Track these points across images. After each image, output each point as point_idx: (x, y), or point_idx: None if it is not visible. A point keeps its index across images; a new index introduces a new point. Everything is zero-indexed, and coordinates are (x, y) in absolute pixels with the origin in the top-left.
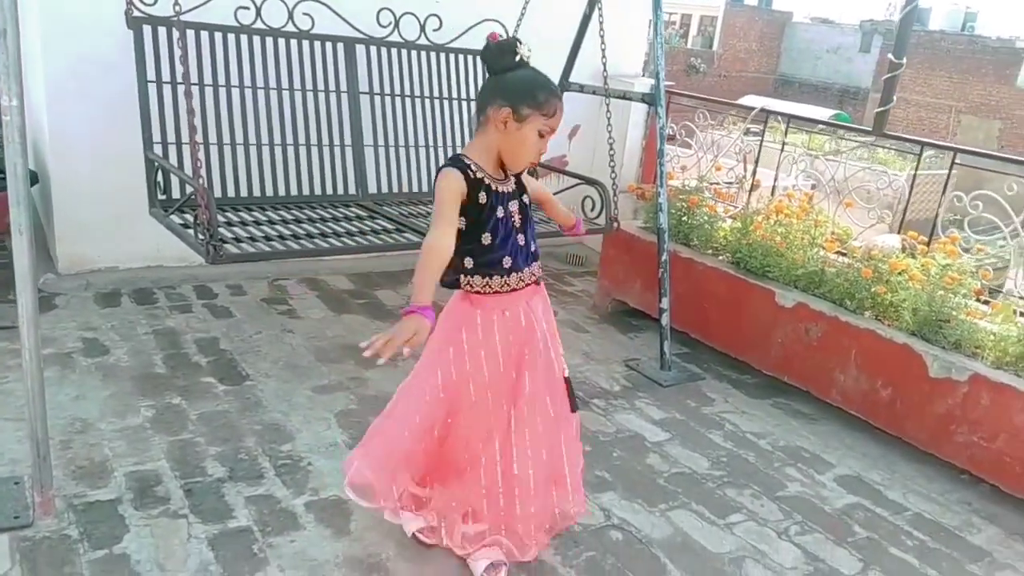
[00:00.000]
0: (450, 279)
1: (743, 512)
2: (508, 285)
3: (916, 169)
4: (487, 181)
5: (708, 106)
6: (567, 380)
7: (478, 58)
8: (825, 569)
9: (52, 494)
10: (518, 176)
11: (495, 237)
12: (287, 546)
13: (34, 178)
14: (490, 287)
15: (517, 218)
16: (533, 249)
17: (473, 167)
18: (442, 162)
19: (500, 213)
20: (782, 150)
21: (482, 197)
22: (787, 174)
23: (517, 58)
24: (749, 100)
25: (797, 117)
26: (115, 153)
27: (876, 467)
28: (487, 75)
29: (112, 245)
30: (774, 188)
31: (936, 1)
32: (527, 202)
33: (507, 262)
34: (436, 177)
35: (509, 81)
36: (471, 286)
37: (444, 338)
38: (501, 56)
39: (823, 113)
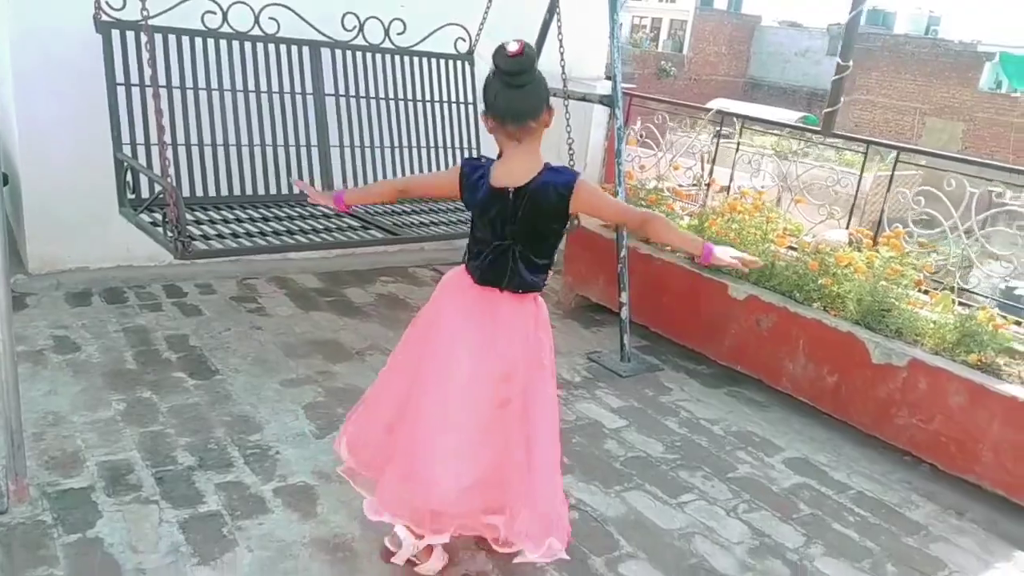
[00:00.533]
0: (542, 281)
1: (694, 492)
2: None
3: (863, 168)
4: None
5: (667, 108)
6: None
7: (441, 61)
8: (770, 543)
9: (26, 483)
10: None
11: None
12: (255, 528)
13: (4, 179)
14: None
15: None
16: None
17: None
18: (405, 160)
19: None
20: (736, 150)
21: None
22: (753, 176)
23: (527, 57)
24: (719, 103)
25: (750, 118)
26: (84, 154)
27: (823, 450)
28: (517, 80)
29: (82, 245)
30: (729, 187)
31: (901, 5)
32: None
33: None
34: (577, 185)
35: (544, 84)
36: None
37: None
38: (534, 63)
39: (791, 115)
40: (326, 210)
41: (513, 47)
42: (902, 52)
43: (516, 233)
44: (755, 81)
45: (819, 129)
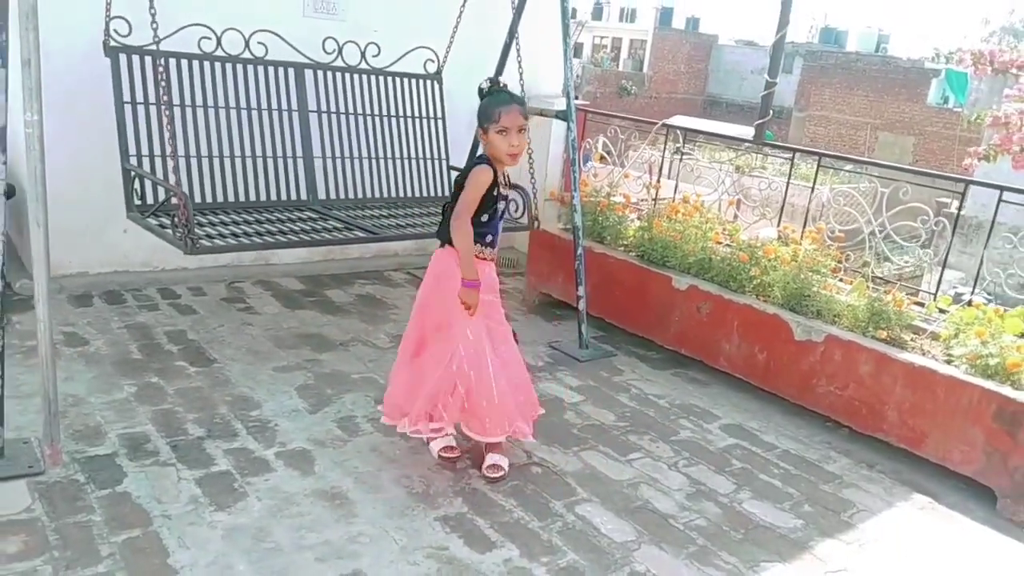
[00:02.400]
0: (447, 237)
1: (641, 451)
2: (483, 255)
3: (790, 175)
4: (499, 180)
5: (620, 123)
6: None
7: (412, 80)
8: (705, 490)
9: (60, 447)
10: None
11: (490, 218)
12: (262, 483)
13: (11, 191)
14: (481, 255)
15: (501, 212)
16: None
17: (493, 165)
18: (381, 170)
19: (500, 205)
20: (680, 160)
21: (494, 190)
22: (715, 189)
23: (482, 91)
24: (677, 120)
25: (693, 131)
26: (84, 167)
27: (755, 418)
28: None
29: (82, 252)
30: (675, 195)
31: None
32: (507, 206)
33: (489, 238)
34: (472, 169)
35: (478, 109)
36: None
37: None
38: (480, 93)
39: (747, 131)
40: (311, 213)
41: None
42: (854, 69)
43: None
44: (713, 99)
45: (751, 140)
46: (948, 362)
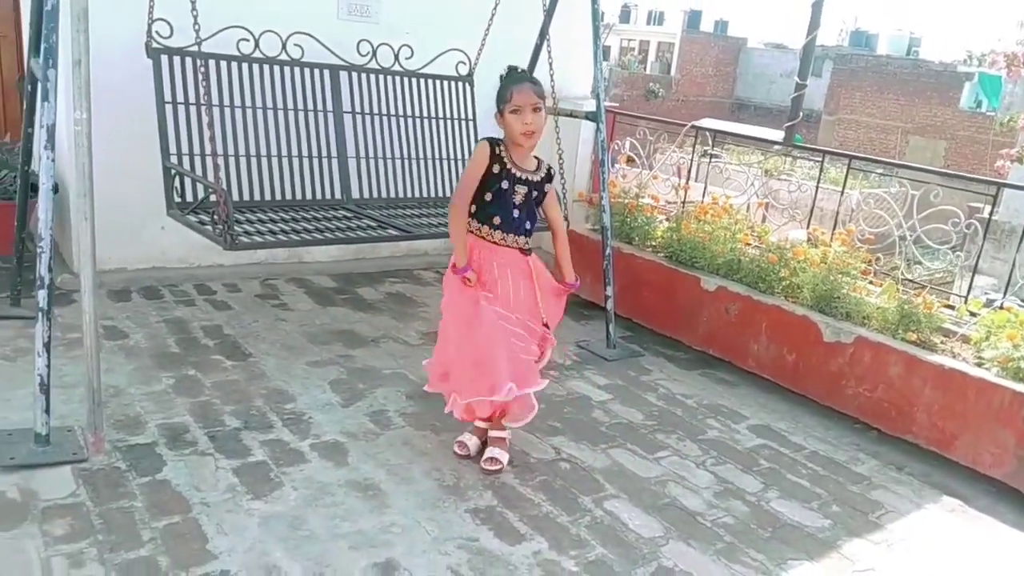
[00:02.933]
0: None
1: (669, 450)
2: (492, 237)
3: (819, 177)
4: (505, 159)
5: (648, 125)
6: (545, 324)
7: (444, 82)
8: (733, 488)
9: (103, 436)
10: (549, 179)
11: (494, 198)
12: (298, 474)
13: (55, 188)
14: (479, 232)
15: (519, 197)
16: (527, 227)
17: (501, 145)
18: (414, 170)
19: (505, 185)
20: (710, 161)
21: (495, 168)
22: (743, 192)
23: (501, 77)
24: (706, 123)
25: (722, 132)
26: (123, 167)
27: (783, 419)
28: None
29: (121, 249)
30: (703, 198)
31: (882, 27)
32: (534, 195)
33: (496, 220)
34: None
35: (496, 94)
36: (468, 226)
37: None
38: (500, 79)
39: (775, 134)
40: (345, 212)
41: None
42: (884, 73)
43: None
44: (741, 102)
45: (781, 142)
46: (979, 365)
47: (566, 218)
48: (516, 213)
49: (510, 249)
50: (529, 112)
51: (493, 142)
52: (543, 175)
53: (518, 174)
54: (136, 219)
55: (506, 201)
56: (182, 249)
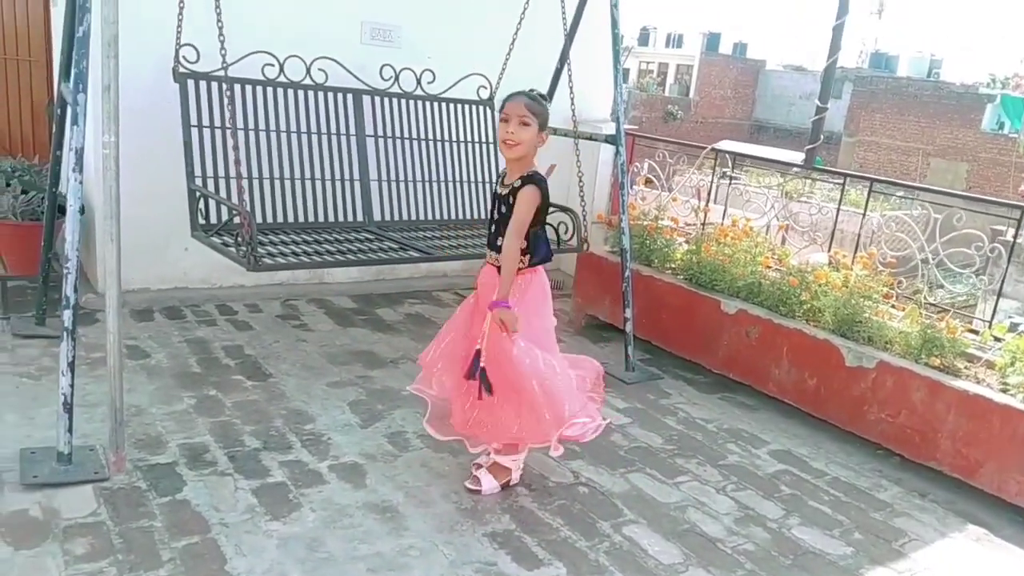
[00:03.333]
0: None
1: (689, 475)
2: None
3: (840, 200)
4: (496, 183)
5: (667, 147)
6: (477, 352)
7: (465, 106)
8: (753, 515)
9: (124, 455)
10: (514, 192)
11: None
12: (316, 495)
13: (82, 210)
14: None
15: (495, 214)
16: (498, 243)
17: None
18: (435, 193)
19: (490, 205)
20: (729, 184)
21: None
22: (763, 215)
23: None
24: (724, 145)
25: (742, 155)
26: (147, 189)
27: (805, 444)
28: None
29: (144, 269)
30: (723, 219)
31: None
32: (503, 209)
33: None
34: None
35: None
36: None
37: None
38: None
39: (795, 156)
40: (367, 234)
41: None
42: (905, 94)
43: None
44: (760, 124)
45: (802, 165)
46: (1004, 391)
47: (586, 240)
48: (493, 228)
49: (494, 266)
50: (514, 123)
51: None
52: (510, 189)
53: (497, 191)
54: (160, 240)
55: (491, 218)
56: (204, 270)
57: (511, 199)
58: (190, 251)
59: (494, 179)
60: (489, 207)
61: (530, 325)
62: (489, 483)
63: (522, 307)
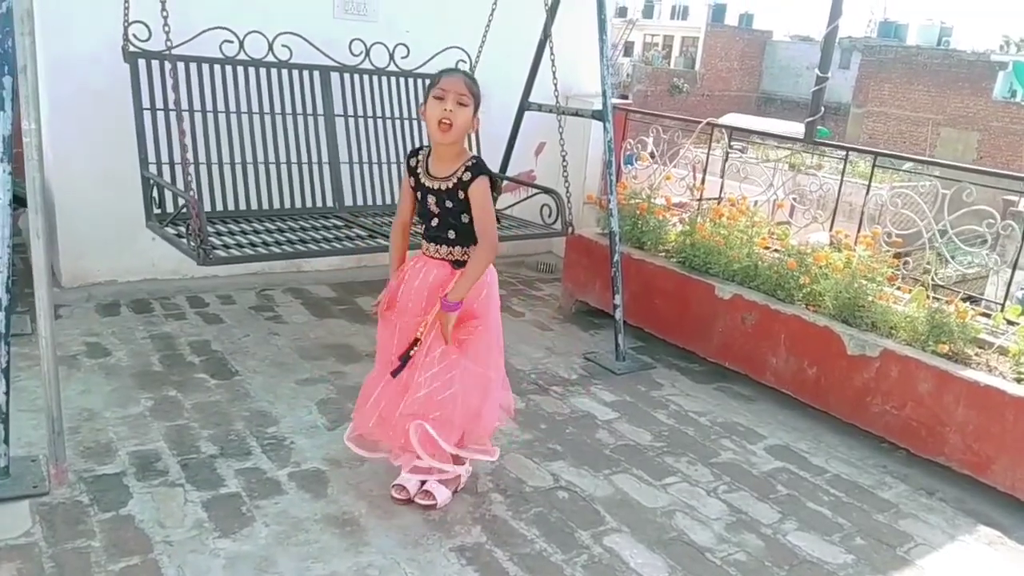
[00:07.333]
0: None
1: (678, 475)
2: (420, 248)
3: (843, 174)
4: (419, 171)
5: (660, 122)
6: (415, 339)
7: None
8: (746, 519)
9: (65, 467)
10: (462, 185)
11: (417, 211)
12: (272, 507)
13: (21, 201)
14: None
15: (433, 208)
16: (448, 236)
17: (420, 155)
18: None
19: (419, 196)
20: (726, 159)
21: (412, 181)
22: (767, 190)
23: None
24: (731, 118)
25: (739, 129)
26: (110, 175)
27: (804, 438)
28: None
29: (111, 260)
30: (720, 194)
31: (911, 17)
32: (448, 204)
33: (422, 229)
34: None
35: None
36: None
37: None
38: None
39: (801, 128)
40: (337, 220)
41: None
42: (914, 63)
43: None
44: (767, 95)
45: (802, 138)
46: (1018, 380)
47: (571, 223)
48: (435, 223)
49: (435, 260)
50: (451, 101)
51: (411, 154)
52: (454, 182)
53: (427, 184)
54: (127, 229)
55: (425, 211)
56: (174, 260)
57: (459, 193)
58: (158, 240)
59: None
60: (422, 201)
61: (497, 321)
62: (443, 494)
63: (491, 302)
